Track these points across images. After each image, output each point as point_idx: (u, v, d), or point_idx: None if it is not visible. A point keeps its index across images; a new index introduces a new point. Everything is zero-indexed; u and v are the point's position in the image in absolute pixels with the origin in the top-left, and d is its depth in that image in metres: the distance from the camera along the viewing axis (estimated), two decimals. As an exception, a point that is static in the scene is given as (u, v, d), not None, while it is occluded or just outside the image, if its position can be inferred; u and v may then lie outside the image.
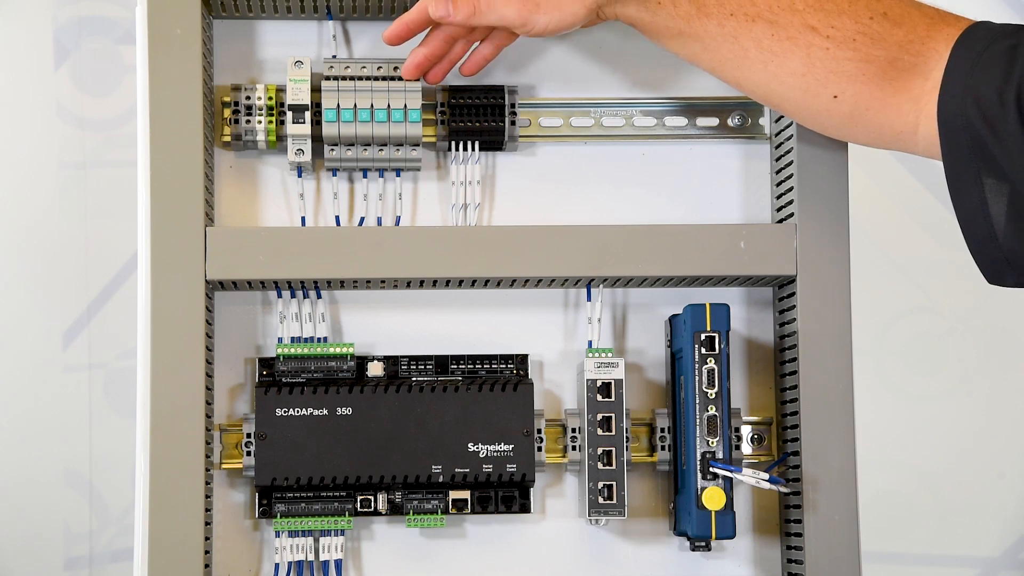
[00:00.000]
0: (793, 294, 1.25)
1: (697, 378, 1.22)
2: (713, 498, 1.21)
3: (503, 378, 1.25)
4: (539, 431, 1.25)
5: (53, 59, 2.06)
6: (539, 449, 1.25)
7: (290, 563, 1.24)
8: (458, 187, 1.27)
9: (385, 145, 1.25)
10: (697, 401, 1.22)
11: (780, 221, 1.28)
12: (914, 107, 1.11)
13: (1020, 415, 2.13)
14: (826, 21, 1.12)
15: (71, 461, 2.03)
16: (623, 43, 1.31)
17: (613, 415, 1.24)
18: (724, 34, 1.15)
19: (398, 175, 1.28)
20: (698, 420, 1.22)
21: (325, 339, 1.26)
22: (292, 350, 1.24)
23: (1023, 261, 1.06)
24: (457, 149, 1.27)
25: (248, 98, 1.25)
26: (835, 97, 1.14)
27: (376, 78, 1.25)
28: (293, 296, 1.26)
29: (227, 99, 1.26)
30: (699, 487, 1.21)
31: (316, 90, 1.25)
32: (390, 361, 1.26)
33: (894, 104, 1.12)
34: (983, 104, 1.04)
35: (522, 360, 1.27)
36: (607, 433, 1.24)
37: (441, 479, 1.22)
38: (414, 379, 1.25)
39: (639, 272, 1.23)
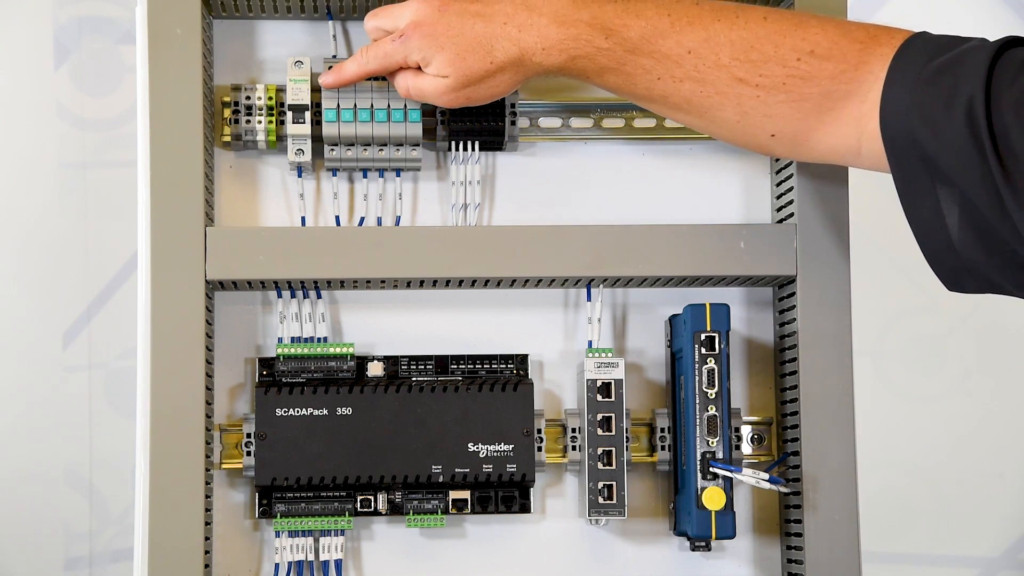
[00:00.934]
0: (793, 294, 1.25)
1: (697, 378, 1.22)
2: (713, 498, 1.21)
3: (503, 378, 1.25)
4: (539, 431, 1.25)
5: (53, 59, 2.06)
6: (539, 449, 1.25)
7: (290, 563, 1.24)
8: (458, 187, 1.27)
9: (385, 145, 1.25)
10: (697, 401, 1.22)
11: (780, 221, 1.28)
12: (854, 129, 1.10)
13: (1020, 415, 2.13)
14: (753, 71, 1.11)
15: (71, 461, 2.03)
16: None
17: (613, 415, 1.24)
18: (653, 96, 1.15)
19: (398, 175, 1.28)
20: (698, 420, 1.22)
21: (325, 339, 1.26)
22: (292, 350, 1.24)
23: (981, 268, 1.06)
24: (457, 149, 1.27)
25: (248, 98, 1.25)
26: (772, 136, 1.14)
27: (376, 78, 1.24)
28: (293, 296, 1.26)
29: (227, 99, 1.26)
30: (699, 487, 1.21)
31: (316, 90, 1.25)
32: (390, 361, 1.26)
33: (832, 131, 1.11)
34: (930, 119, 1.03)
35: (522, 360, 1.27)
36: (607, 433, 1.24)
37: (441, 479, 1.22)
38: (414, 379, 1.25)
39: (639, 272, 1.23)
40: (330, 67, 1.25)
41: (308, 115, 1.24)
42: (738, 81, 1.11)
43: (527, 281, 1.26)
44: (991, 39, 1.04)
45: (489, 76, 1.16)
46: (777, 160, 1.29)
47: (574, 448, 1.26)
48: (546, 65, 1.15)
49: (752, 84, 1.11)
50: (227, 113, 1.26)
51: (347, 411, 1.22)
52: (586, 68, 1.15)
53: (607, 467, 1.24)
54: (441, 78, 1.17)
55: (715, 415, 1.22)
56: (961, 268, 1.07)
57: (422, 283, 1.26)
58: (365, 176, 1.28)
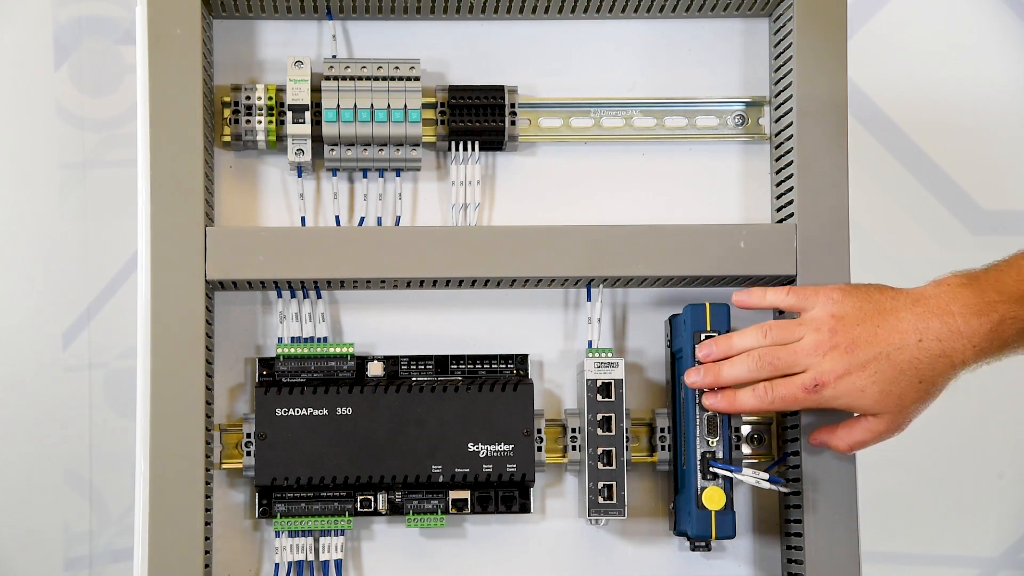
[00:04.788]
0: (793, 294, 1.25)
1: (697, 378, 1.22)
2: (713, 498, 1.21)
3: (503, 378, 1.25)
4: (539, 431, 1.25)
5: (53, 59, 2.05)
6: (539, 449, 1.25)
7: (290, 563, 1.24)
8: (458, 187, 1.27)
9: (385, 145, 1.25)
10: (697, 401, 1.22)
11: (780, 221, 1.28)
12: None
13: (1020, 415, 2.12)
14: None
15: (71, 461, 2.03)
16: (623, 43, 1.31)
17: (613, 415, 1.24)
18: None
19: (398, 175, 1.28)
20: (698, 420, 1.22)
21: (325, 339, 1.26)
22: (292, 350, 1.24)
23: None
24: (457, 149, 1.27)
25: (248, 98, 1.26)
26: None
27: (376, 78, 1.25)
28: (293, 296, 1.26)
29: (227, 99, 1.26)
30: (699, 487, 1.21)
31: (316, 90, 1.25)
32: (390, 361, 1.26)
33: None
34: None
35: (522, 360, 1.26)
36: (607, 433, 1.24)
37: (441, 479, 1.22)
38: (414, 379, 1.25)
39: (639, 272, 1.23)
40: (331, 67, 1.25)
41: (308, 115, 1.24)
42: None
43: (527, 281, 1.26)
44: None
45: (923, 395, 1.14)
46: (777, 160, 1.29)
47: (574, 448, 1.26)
48: (979, 359, 1.13)
49: None
50: (227, 113, 1.26)
51: (347, 411, 1.22)
52: (1011, 343, 1.13)
53: (607, 467, 1.23)
54: (874, 418, 1.15)
55: (715, 415, 1.22)
56: None
57: (422, 283, 1.26)
58: (365, 176, 1.28)
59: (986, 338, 1.11)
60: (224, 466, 1.25)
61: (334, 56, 1.28)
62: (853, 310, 1.14)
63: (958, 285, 1.12)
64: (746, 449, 1.28)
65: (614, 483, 1.23)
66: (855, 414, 1.18)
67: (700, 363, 1.20)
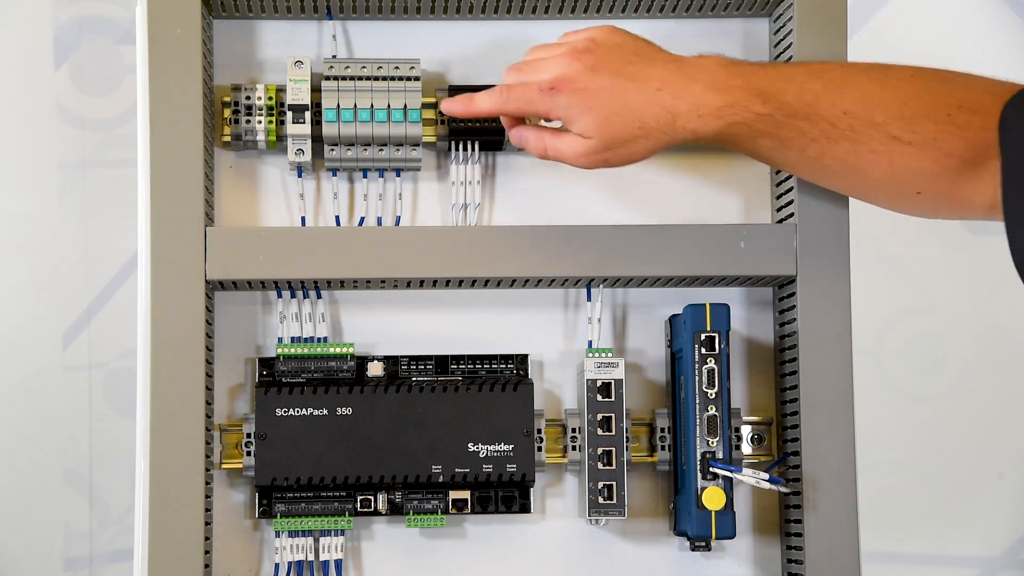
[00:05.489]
0: (793, 294, 1.25)
1: (697, 378, 1.22)
2: (713, 498, 1.21)
3: (503, 378, 1.25)
4: (539, 431, 1.25)
5: (53, 59, 2.06)
6: (539, 449, 1.25)
7: (290, 563, 1.24)
8: (458, 187, 1.27)
9: (385, 145, 1.25)
10: (697, 401, 1.22)
11: (780, 221, 1.28)
12: (993, 180, 1.10)
13: (1020, 415, 2.12)
14: (907, 128, 1.11)
15: (71, 461, 2.03)
16: (623, 43, 1.31)
17: (613, 415, 1.24)
18: (807, 159, 1.14)
19: (398, 175, 1.28)
20: (698, 420, 1.22)
21: (325, 339, 1.26)
22: (292, 350, 1.24)
23: None
24: (457, 149, 1.27)
25: (248, 98, 1.26)
26: (918, 193, 1.13)
27: (376, 78, 1.25)
28: (293, 296, 1.26)
29: (227, 99, 1.26)
30: (699, 487, 1.21)
31: (316, 90, 1.25)
32: (390, 361, 1.26)
33: (975, 186, 1.11)
34: None
35: (522, 360, 1.26)
36: (607, 433, 1.24)
37: (441, 479, 1.22)
38: (414, 379, 1.25)
39: (639, 272, 1.23)
40: (331, 67, 1.25)
41: (308, 115, 1.24)
42: (892, 139, 1.11)
43: (527, 281, 1.26)
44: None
45: (633, 140, 1.14)
46: (777, 160, 1.29)
47: (574, 448, 1.26)
48: (700, 132, 1.13)
49: (905, 141, 1.11)
50: (227, 113, 1.26)
51: (347, 411, 1.22)
52: (740, 134, 1.14)
53: (607, 467, 1.23)
54: (583, 139, 1.14)
55: (715, 415, 1.22)
56: None
57: (422, 283, 1.26)
58: (365, 176, 1.28)
59: (711, 112, 1.12)
60: (224, 466, 1.25)
61: (334, 56, 1.28)
62: (612, 44, 1.15)
63: (716, 64, 1.14)
64: (746, 449, 1.28)
65: (614, 483, 1.23)
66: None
67: None
